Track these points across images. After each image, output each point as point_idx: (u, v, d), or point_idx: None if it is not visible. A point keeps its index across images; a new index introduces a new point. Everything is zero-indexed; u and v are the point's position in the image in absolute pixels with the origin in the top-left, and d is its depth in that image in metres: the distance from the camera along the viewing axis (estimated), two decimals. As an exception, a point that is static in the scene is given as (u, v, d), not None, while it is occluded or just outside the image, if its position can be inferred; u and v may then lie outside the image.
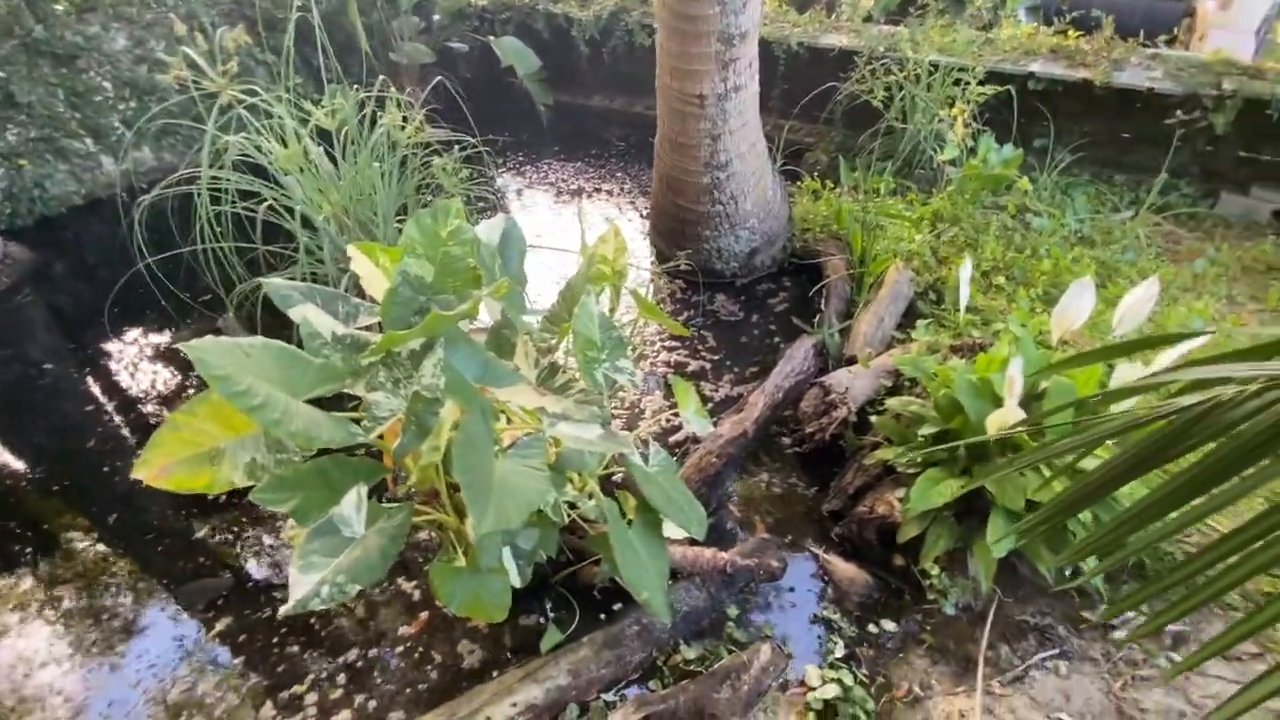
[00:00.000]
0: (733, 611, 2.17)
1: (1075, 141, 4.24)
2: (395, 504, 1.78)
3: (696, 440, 2.75)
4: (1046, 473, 1.94)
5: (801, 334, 3.35)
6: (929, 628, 2.13)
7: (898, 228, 3.73)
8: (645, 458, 2.02)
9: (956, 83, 3.93)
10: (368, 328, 1.95)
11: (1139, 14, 5.72)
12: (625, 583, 1.75)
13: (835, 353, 3.29)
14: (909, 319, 3.42)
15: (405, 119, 3.50)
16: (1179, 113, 3.76)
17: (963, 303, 2.24)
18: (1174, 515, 0.88)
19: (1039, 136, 4.25)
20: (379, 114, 3.47)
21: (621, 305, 2.61)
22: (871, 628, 2.15)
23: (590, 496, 2.24)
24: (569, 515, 2.10)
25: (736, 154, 3.17)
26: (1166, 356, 1.98)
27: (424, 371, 1.62)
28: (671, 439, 2.91)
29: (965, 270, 2.22)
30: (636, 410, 3.07)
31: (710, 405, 3.06)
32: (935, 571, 2.16)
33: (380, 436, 1.79)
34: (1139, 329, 2.22)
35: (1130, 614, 2.09)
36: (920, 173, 4.17)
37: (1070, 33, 4.38)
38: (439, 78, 4.96)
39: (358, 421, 1.68)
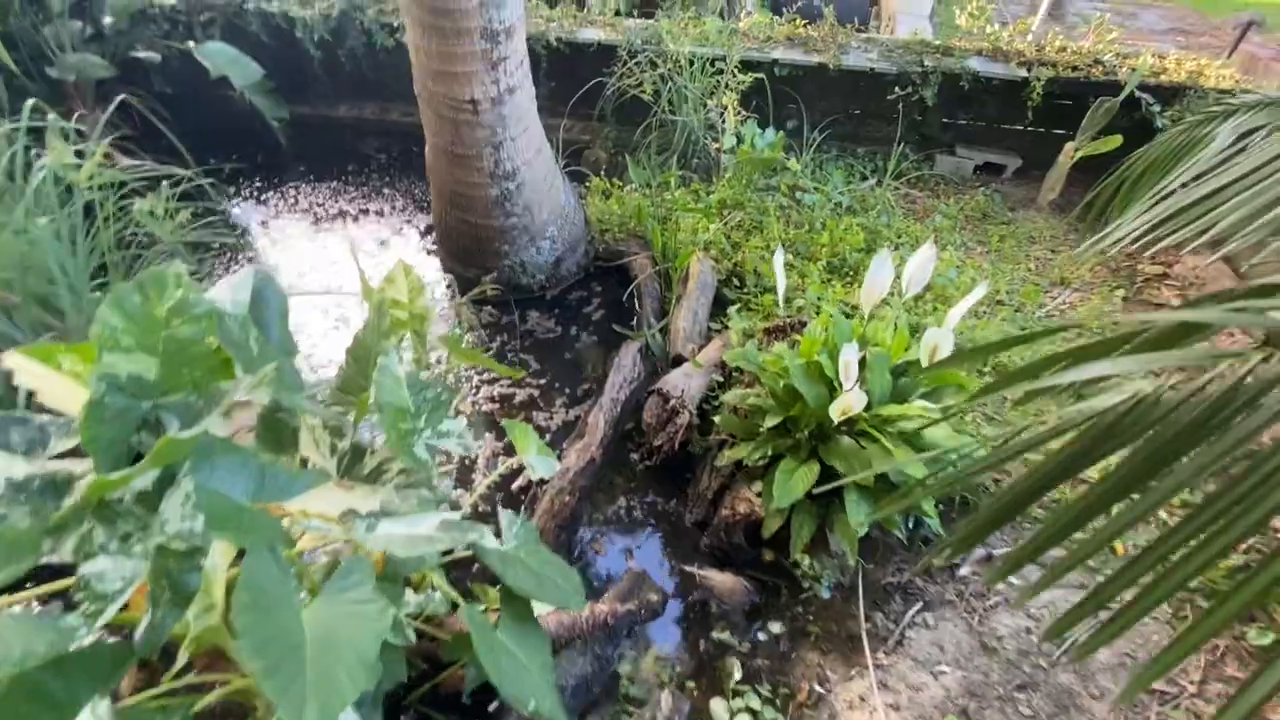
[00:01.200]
0: (624, 668, 1.98)
1: (821, 121, 4.67)
2: (162, 699, 1.28)
3: (544, 481, 2.50)
4: (890, 445, 2.02)
5: (624, 340, 3.23)
6: (811, 617, 2.14)
7: (692, 219, 3.78)
8: (499, 532, 1.72)
9: (719, 72, 4.07)
10: (68, 454, 1.39)
11: (839, 5, 6.54)
12: (506, 698, 1.46)
13: (660, 353, 3.23)
14: (719, 307, 3.49)
15: (80, 153, 2.68)
16: (896, 89, 4.31)
17: (780, 290, 2.27)
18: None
19: (790, 119, 4.61)
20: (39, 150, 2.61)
21: (431, 351, 2.24)
22: (761, 635, 2.11)
23: (434, 589, 1.89)
24: (413, 623, 1.73)
25: (523, 161, 2.92)
26: (955, 311, 2.17)
27: (167, 515, 1.16)
28: (514, 485, 2.62)
29: (778, 259, 2.25)
30: (467, 463, 2.71)
31: (548, 437, 2.82)
32: (805, 561, 2.18)
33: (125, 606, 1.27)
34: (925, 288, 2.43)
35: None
36: (698, 162, 4.28)
37: (798, 21, 4.79)
38: (123, 96, 3.97)
39: (74, 607, 1.16)
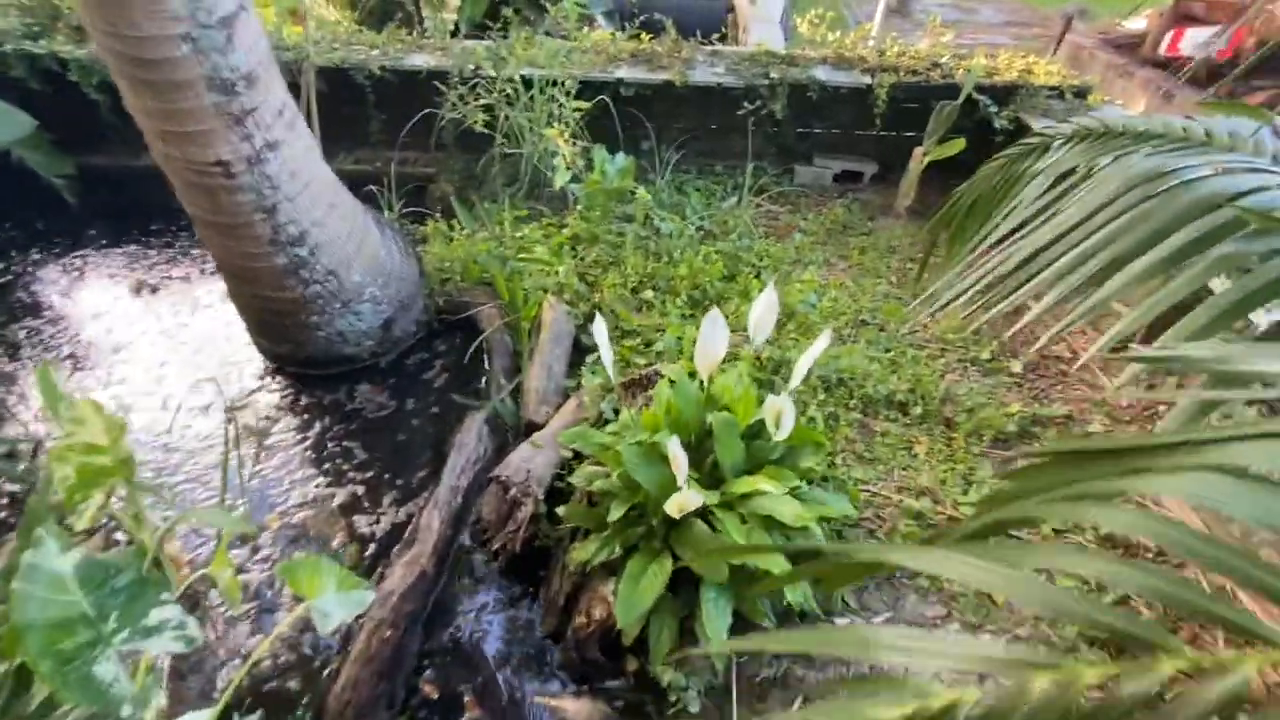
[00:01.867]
0: None
1: (676, 139, 4.46)
2: None
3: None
4: (735, 533, 1.76)
5: (467, 411, 2.85)
6: (680, 737, 1.86)
7: (540, 260, 3.44)
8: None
9: (552, 99, 3.76)
10: None
11: (695, 14, 6.40)
12: None
13: (513, 420, 2.87)
14: (579, 356, 3.17)
15: None
16: (746, 103, 4.16)
17: (607, 361, 1.97)
18: None
19: (644, 139, 4.37)
20: None
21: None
22: (624, 772, 1.79)
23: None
24: None
25: (311, 222, 2.47)
26: (801, 363, 1.95)
27: None
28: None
29: (599, 331, 1.94)
30: (248, 619, 2.23)
31: (373, 548, 2.39)
32: (668, 674, 1.88)
33: None
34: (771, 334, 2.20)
35: (844, 619, 2.10)
36: (549, 192, 3.95)
37: (643, 36, 4.56)
38: None
39: None
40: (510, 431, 2.83)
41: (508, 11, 4.65)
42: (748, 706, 1.91)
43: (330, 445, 2.77)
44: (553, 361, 3.03)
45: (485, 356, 3.18)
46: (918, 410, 2.71)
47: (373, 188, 3.94)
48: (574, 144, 3.57)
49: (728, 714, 1.89)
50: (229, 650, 2.01)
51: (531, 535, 2.26)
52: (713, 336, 1.88)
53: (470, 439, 2.69)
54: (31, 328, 3.42)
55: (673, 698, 1.91)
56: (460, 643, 2.11)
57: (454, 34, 5.30)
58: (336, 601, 1.77)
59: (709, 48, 4.51)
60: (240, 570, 2.27)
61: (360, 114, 4.58)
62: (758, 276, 3.46)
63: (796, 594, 1.86)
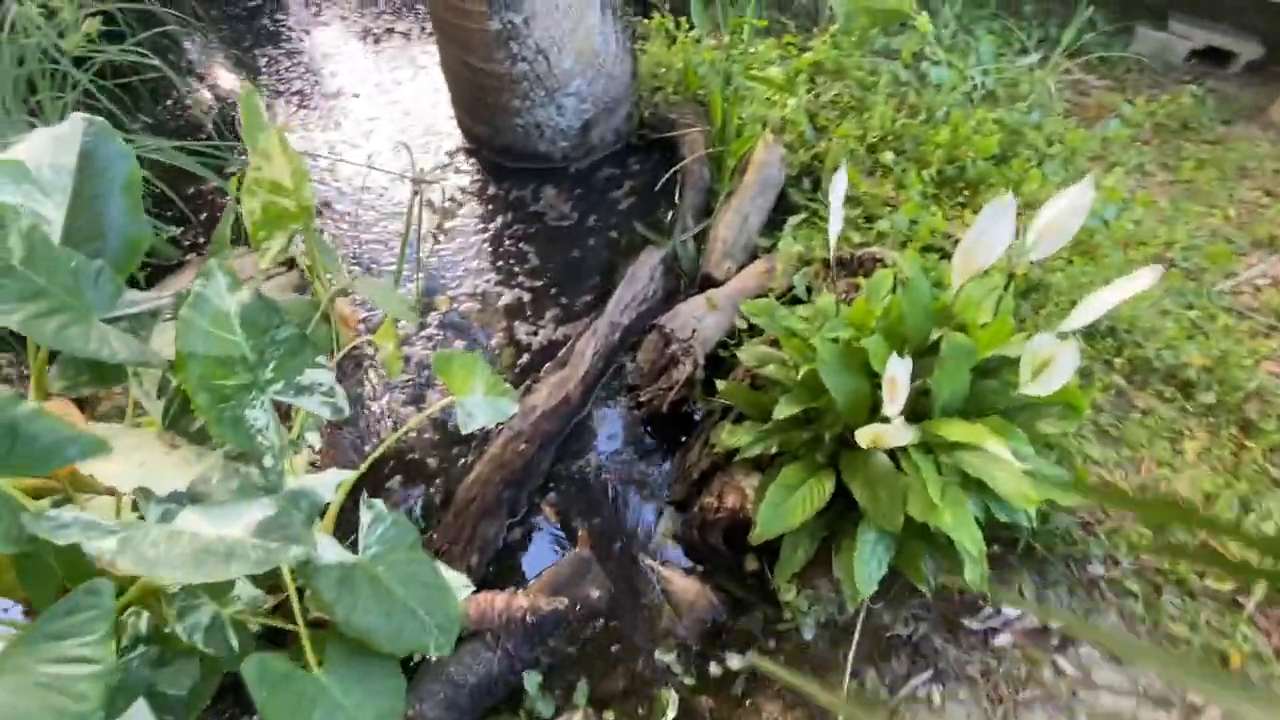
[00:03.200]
0: (534, 679, 1.63)
1: (984, -42, 3.41)
2: None
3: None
4: (934, 488, 1.41)
5: (646, 244, 2.59)
6: (784, 658, 1.70)
7: (770, 83, 2.88)
8: (357, 540, 1.31)
9: None
10: None
11: None
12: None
13: (690, 267, 2.58)
14: (782, 212, 2.73)
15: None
16: (1108, -82, 2.99)
17: (834, 229, 1.54)
18: None
19: (943, -48, 3.37)
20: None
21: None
22: (714, 667, 1.69)
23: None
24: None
25: (533, -17, 2.14)
26: (1105, 297, 1.42)
27: None
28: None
29: (837, 185, 1.50)
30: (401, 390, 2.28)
31: (526, 358, 2.33)
32: (790, 593, 1.68)
33: None
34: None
35: (1014, 611, 1.74)
36: (800, 4, 3.24)
37: None
38: None
39: None
40: (685, 279, 2.55)
41: None
42: (866, 657, 1.69)
43: (507, 243, 2.68)
44: (751, 211, 2.62)
45: (679, 187, 2.84)
46: (1208, 396, 2.03)
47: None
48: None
49: (843, 655, 1.69)
50: (383, 412, 2.10)
51: (681, 398, 2.06)
52: (993, 233, 1.38)
53: (642, 275, 2.46)
54: (271, 56, 3.56)
55: (788, 615, 1.73)
56: (587, 478, 2.04)
57: None
58: (483, 404, 1.72)
59: None
60: (404, 342, 2.33)
61: None
62: (1039, 165, 2.67)
63: (974, 571, 1.52)
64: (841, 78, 2.99)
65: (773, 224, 2.68)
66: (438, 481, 2.02)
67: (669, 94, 3.02)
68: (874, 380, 1.52)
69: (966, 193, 2.60)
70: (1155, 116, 2.99)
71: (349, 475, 1.45)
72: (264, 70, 3.46)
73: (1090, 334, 2.19)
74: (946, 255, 2.31)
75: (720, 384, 1.86)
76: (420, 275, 2.52)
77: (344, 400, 1.35)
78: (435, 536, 1.83)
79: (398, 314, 1.60)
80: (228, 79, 3.38)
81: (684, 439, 2.11)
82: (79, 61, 2.21)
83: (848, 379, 1.52)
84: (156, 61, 2.35)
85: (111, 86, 2.53)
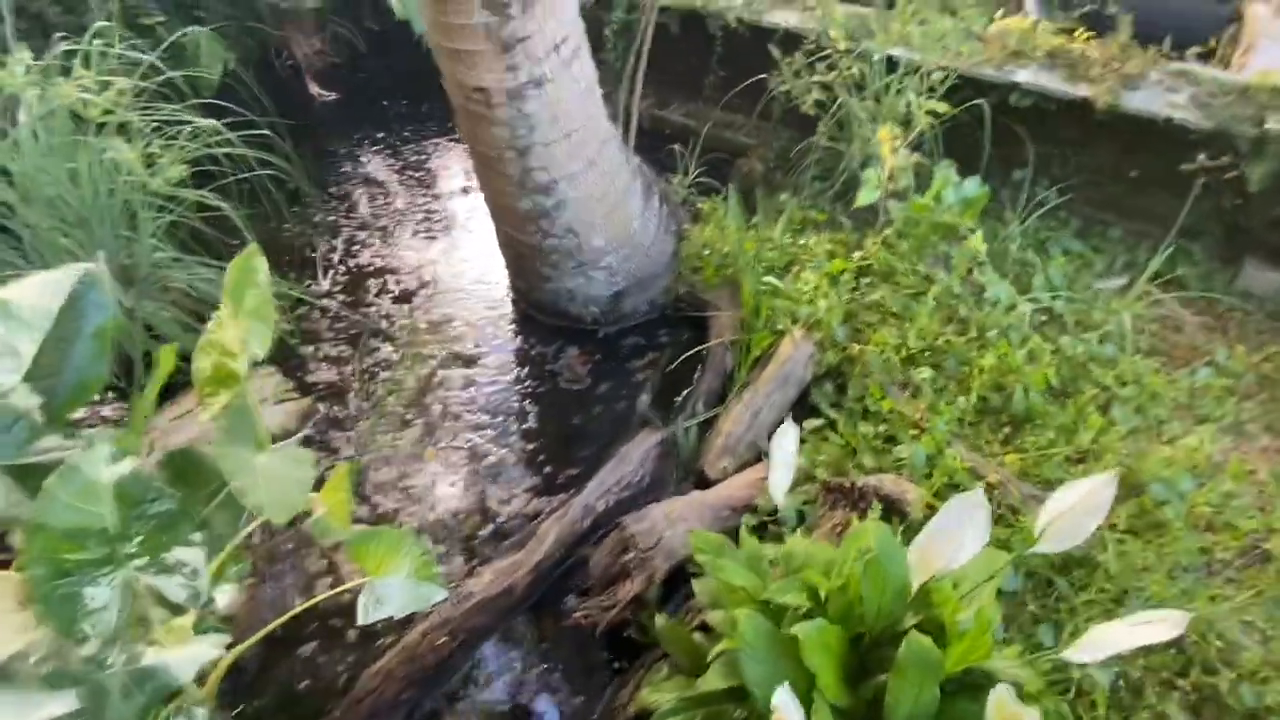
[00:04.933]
0: None
1: (1064, 179, 3.28)
2: None
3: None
4: None
5: (646, 425, 2.47)
6: None
7: (805, 280, 2.80)
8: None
9: (902, 91, 2.95)
10: None
11: (1171, 15, 4.64)
12: None
13: (688, 456, 2.42)
14: (804, 411, 2.54)
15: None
16: (1203, 154, 2.79)
17: (775, 487, 1.33)
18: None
19: (1018, 168, 3.29)
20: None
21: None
22: None
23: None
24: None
25: (564, 175, 2.25)
26: (1112, 637, 1.12)
27: None
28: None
29: (784, 439, 1.31)
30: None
31: (489, 529, 2.20)
32: None
33: None
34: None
35: None
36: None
37: (1078, 32, 3.37)
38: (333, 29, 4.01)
39: None
40: (679, 472, 2.38)
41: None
42: None
43: (514, 398, 2.66)
44: (764, 407, 2.46)
45: (699, 369, 2.74)
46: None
47: (677, 146, 3.66)
48: (908, 155, 2.77)
49: None
50: (322, 570, 2.02)
51: (625, 620, 1.82)
52: (956, 534, 1.14)
53: (632, 458, 2.32)
54: (372, 194, 3.97)
55: None
56: (506, 692, 1.81)
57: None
58: (400, 588, 1.59)
59: (1177, 64, 3.13)
60: (367, 496, 2.27)
61: (703, 65, 4.30)
62: (1104, 411, 2.35)
63: None
64: (889, 282, 2.86)
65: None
66: (351, 658, 1.86)
67: (709, 275, 3.01)
68: (806, 674, 1.24)
69: (1008, 429, 2.31)
70: (1261, 369, 2.60)
71: (214, 655, 1.34)
72: (365, 204, 3.85)
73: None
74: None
75: (660, 620, 1.62)
76: (416, 426, 2.52)
77: (205, 585, 1.27)
78: (319, 730, 1.65)
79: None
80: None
81: (623, 663, 1.85)
82: (171, 199, 2.54)
83: (772, 669, 1.26)
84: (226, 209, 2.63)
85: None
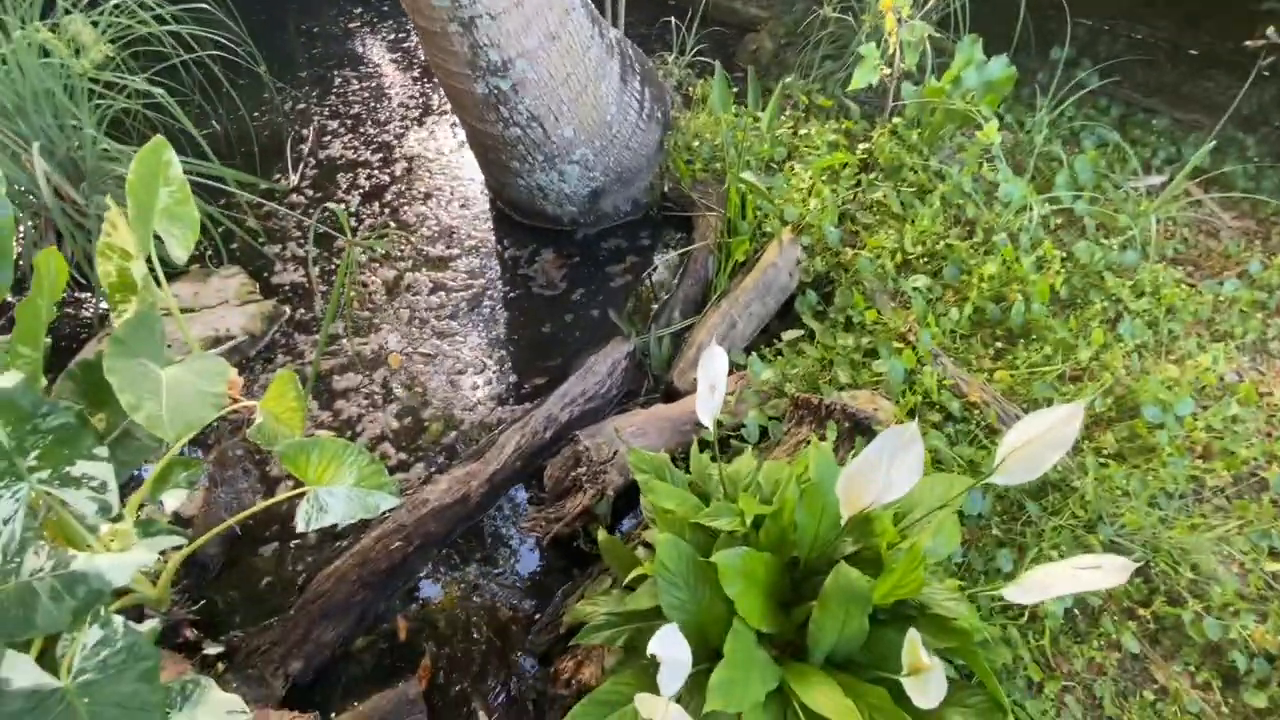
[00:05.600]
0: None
1: (1110, 57, 2.87)
2: None
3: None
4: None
5: (616, 334, 2.35)
6: None
7: (799, 176, 2.56)
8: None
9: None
10: None
11: None
12: None
13: (660, 367, 2.32)
14: (787, 322, 2.40)
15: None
16: (1271, 29, 2.37)
17: (704, 414, 1.21)
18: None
19: (1059, 43, 2.87)
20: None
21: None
22: None
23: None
24: None
25: (519, 51, 1.99)
26: (1047, 580, 1.04)
27: None
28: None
29: (710, 364, 1.17)
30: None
31: (451, 436, 2.17)
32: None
33: None
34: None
35: None
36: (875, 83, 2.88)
37: (1152, -128, 2.81)
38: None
39: None
40: (650, 383, 2.29)
41: None
42: None
43: (485, 303, 2.55)
44: (742, 318, 2.32)
45: (678, 274, 2.58)
46: (1257, 699, 1.48)
47: (672, 18, 3.28)
48: (921, 28, 2.41)
49: None
50: (284, 473, 2.02)
51: (574, 533, 1.80)
52: (885, 470, 1.03)
53: (601, 369, 2.23)
54: (346, 78, 3.69)
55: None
56: (458, 596, 1.84)
57: None
58: (344, 497, 1.57)
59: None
60: (334, 398, 2.24)
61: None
62: (1114, 323, 2.16)
63: None
64: (896, 176, 2.60)
65: (770, 333, 2.36)
66: (311, 559, 1.89)
67: (698, 169, 2.77)
68: (726, 602, 1.20)
69: (1004, 343, 2.14)
70: (1302, 281, 2.34)
71: (147, 559, 1.34)
72: (335, 90, 3.59)
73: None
74: (955, 420, 1.89)
75: (601, 534, 1.58)
76: (385, 328, 2.44)
77: (114, 498, 1.24)
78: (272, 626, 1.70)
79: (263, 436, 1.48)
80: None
81: (575, 570, 1.85)
82: (110, 85, 2.35)
83: (690, 595, 1.21)
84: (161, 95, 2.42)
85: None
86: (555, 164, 2.43)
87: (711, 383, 1.19)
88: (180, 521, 1.90)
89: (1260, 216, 2.59)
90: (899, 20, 2.33)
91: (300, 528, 1.48)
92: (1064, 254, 2.28)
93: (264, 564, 1.88)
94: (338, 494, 1.56)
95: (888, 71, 2.59)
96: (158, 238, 1.60)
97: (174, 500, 1.70)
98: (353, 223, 2.85)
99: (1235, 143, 2.75)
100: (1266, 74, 2.60)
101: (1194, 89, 2.95)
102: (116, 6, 2.38)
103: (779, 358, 2.15)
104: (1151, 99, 3.00)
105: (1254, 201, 2.58)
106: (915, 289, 2.23)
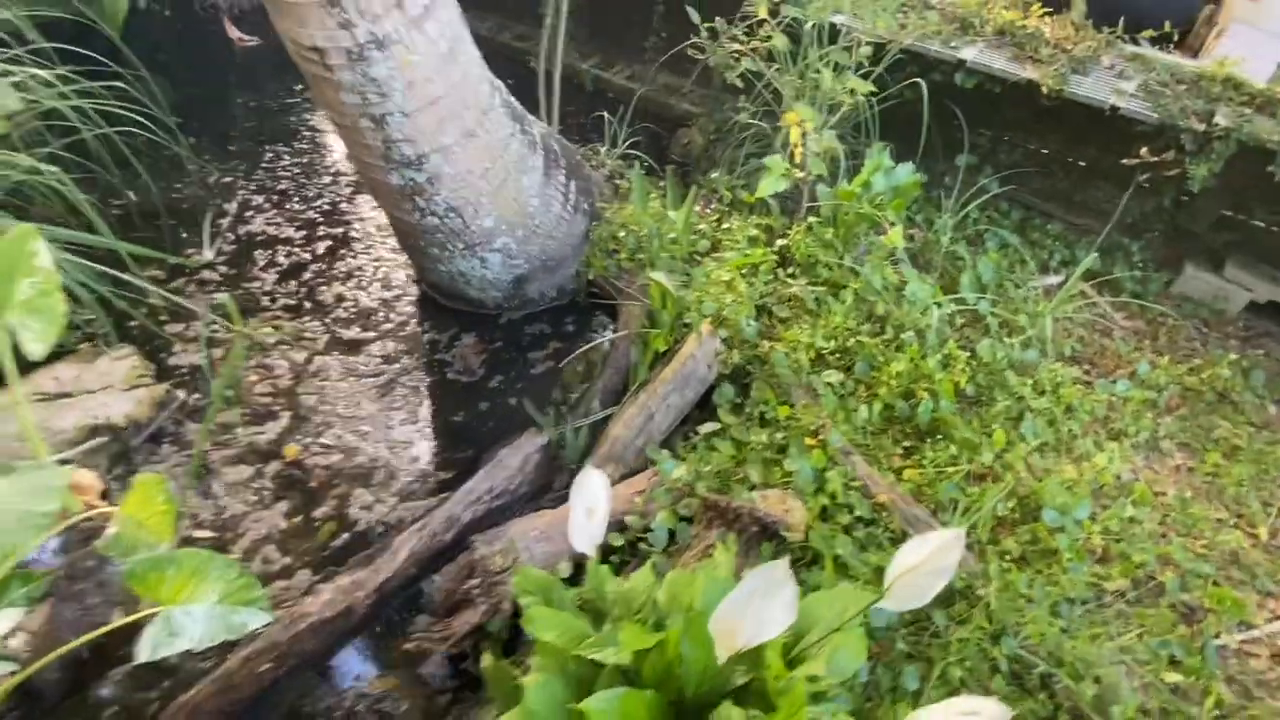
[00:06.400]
0: None
1: (1008, 166, 3.10)
2: None
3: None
4: None
5: (531, 425, 2.29)
6: None
7: (719, 269, 2.61)
8: None
9: (839, 67, 2.71)
10: None
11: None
12: None
13: (576, 461, 2.25)
14: (708, 413, 2.38)
15: None
16: (1147, 149, 2.60)
17: (578, 544, 1.16)
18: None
19: (960, 152, 3.09)
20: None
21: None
22: None
23: None
24: None
25: (435, 148, 2.00)
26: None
27: None
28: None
29: (585, 487, 1.13)
30: None
31: (345, 538, 2.03)
32: None
33: None
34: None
35: None
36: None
37: (1035, 7, 3.13)
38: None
39: None
40: (566, 476, 2.21)
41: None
42: None
43: (397, 390, 2.46)
44: (660, 410, 2.29)
45: (600, 363, 2.56)
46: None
47: (605, 114, 3.40)
48: (829, 138, 2.55)
49: None
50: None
51: (463, 654, 1.67)
52: (760, 609, 0.98)
53: (511, 464, 2.15)
54: (279, 152, 3.66)
55: None
56: (335, 722, 1.66)
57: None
58: (205, 616, 1.42)
59: (1135, 48, 2.92)
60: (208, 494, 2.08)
61: (645, 24, 4.02)
62: (1017, 421, 2.22)
63: None
64: (811, 273, 2.68)
65: (691, 424, 2.34)
66: (169, 683, 1.69)
67: (623, 259, 2.80)
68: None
69: (911, 440, 2.17)
70: (1187, 380, 2.47)
71: None
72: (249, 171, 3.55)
73: (1018, 677, 1.65)
74: (865, 522, 1.88)
75: (486, 659, 1.47)
76: (287, 416, 2.32)
77: None
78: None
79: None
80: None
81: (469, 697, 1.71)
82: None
83: (561, 743, 1.11)
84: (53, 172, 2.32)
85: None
86: (476, 251, 2.42)
87: (589, 506, 1.13)
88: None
89: (1148, 317, 2.76)
90: (803, 135, 2.45)
91: (140, 657, 1.33)
92: (969, 352, 2.36)
93: (114, 691, 1.68)
94: (196, 614, 1.42)
95: (801, 175, 2.71)
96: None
97: (7, 621, 1.51)
98: (267, 301, 2.75)
99: (1121, 247, 2.96)
100: (1145, 186, 2.83)
101: (1085, 196, 3.18)
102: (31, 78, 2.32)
103: (694, 453, 2.12)
104: (1048, 204, 3.23)
105: (1142, 300, 2.75)
106: (828, 384, 2.25)
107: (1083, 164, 3.16)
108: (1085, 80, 2.77)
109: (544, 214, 2.50)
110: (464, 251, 2.41)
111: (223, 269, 2.88)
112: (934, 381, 2.22)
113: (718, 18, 2.79)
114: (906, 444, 2.17)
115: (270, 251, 2.99)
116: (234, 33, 4.67)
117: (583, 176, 2.75)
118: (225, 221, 3.13)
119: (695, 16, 2.51)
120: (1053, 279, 2.88)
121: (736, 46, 2.68)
